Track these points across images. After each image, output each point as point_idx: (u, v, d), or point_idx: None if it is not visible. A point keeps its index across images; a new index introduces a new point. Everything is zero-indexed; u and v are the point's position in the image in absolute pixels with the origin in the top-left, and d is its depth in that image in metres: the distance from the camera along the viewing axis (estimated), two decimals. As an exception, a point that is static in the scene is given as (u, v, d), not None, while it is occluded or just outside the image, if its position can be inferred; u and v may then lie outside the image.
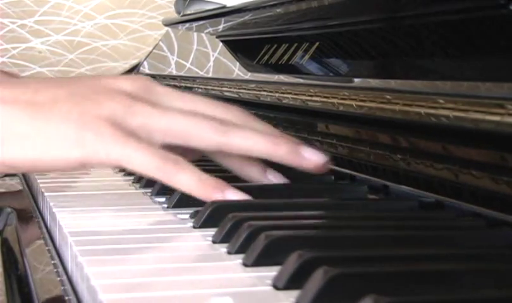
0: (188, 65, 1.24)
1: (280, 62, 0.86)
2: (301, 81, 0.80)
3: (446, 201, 0.58)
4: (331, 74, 0.76)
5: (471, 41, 0.57)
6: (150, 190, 0.74)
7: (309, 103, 0.74)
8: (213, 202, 0.60)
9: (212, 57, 1.14)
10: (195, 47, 1.25)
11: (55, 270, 0.60)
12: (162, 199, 0.70)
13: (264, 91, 0.85)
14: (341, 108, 0.67)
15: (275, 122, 0.85)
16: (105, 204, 0.70)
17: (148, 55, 1.49)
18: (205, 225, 0.59)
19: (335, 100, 0.69)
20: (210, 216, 0.59)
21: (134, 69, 1.49)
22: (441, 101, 0.54)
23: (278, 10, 0.89)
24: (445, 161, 0.55)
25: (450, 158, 0.55)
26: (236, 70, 1.01)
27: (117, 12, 2.24)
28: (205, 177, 0.63)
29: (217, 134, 0.66)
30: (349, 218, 0.59)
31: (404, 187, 0.62)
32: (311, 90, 0.74)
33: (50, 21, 2.22)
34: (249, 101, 0.91)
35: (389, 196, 0.65)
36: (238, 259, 0.50)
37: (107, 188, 0.79)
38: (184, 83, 1.19)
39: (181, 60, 1.31)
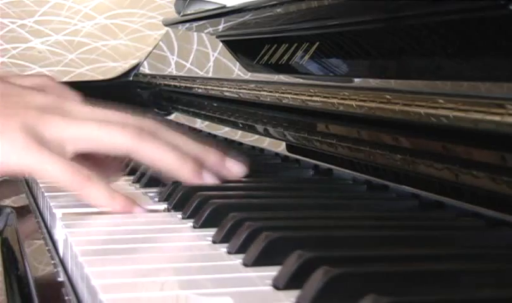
0: (188, 65, 1.24)
1: (280, 62, 0.86)
2: (301, 81, 0.80)
3: (446, 201, 0.58)
4: (331, 74, 0.76)
5: (471, 41, 0.57)
6: (150, 190, 0.74)
7: (309, 103, 0.74)
8: (213, 202, 0.60)
9: (212, 57, 1.14)
10: (195, 47, 1.25)
11: (55, 270, 0.60)
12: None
13: (264, 91, 0.85)
14: (341, 108, 0.67)
15: (275, 122, 0.85)
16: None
17: (148, 55, 1.49)
18: (205, 225, 0.59)
19: (335, 100, 0.69)
20: (210, 216, 0.59)
21: (134, 69, 1.49)
22: (441, 101, 0.54)
23: (278, 10, 0.89)
24: (445, 161, 0.55)
25: (450, 158, 0.55)
26: (236, 70, 1.01)
27: (117, 12, 2.24)
28: (116, 194, 0.66)
29: (128, 140, 0.67)
30: (349, 218, 0.59)
31: (404, 187, 0.62)
32: (311, 90, 0.74)
33: (50, 21, 2.22)
34: (249, 101, 0.91)
35: (388, 195, 0.65)
36: (238, 259, 0.50)
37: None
38: (184, 83, 1.19)
39: (181, 60, 1.31)
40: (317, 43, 0.80)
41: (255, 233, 0.50)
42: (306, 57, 0.81)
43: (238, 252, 0.51)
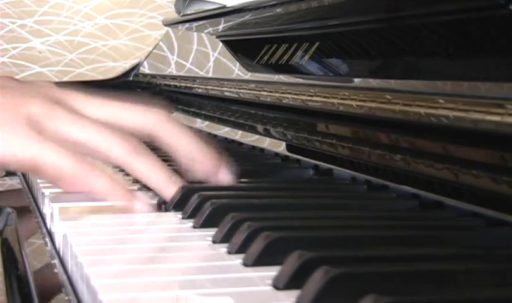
0: (188, 65, 1.24)
1: (280, 62, 0.86)
2: (301, 81, 0.80)
3: (446, 201, 0.58)
4: (331, 74, 0.76)
5: (471, 41, 0.57)
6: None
7: (309, 103, 0.74)
8: (213, 202, 0.60)
9: (212, 57, 1.14)
10: (194, 47, 1.25)
11: (55, 270, 0.60)
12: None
13: (264, 91, 0.85)
14: (341, 108, 0.67)
15: (275, 122, 0.85)
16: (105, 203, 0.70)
17: (148, 55, 1.49)
18: (205, 225, 0.59)
19: (335, 100, 0.69)
20: (210, 216, 0.59)
21: (134, 69, 1.49)
22: (441, 101, 0.54)
23: (278, 10, 0.89)
24: (445, 161, 0.55)
25: (450, 158, 0.55)
26: (236, 70, 1.01)
27: (117, 12, 2.24)
28: (118, 184, 0.67)
29: (122, 154, 0.68)
30: (349, 218, 0.59)
31: (404, 187, 0.62)
32: (311, 90, 0.74)
33: (50, 21, 2.22)
34: (249, 101, 0.91)
35: (388, 195, 0.65)
36: (238, 259, 0.50)
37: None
38: (184, 83, 1.19)
39: (181, 60, 1.31)
40: (317, 43, 0.80)
41: (255, 233, 0.50)
42: (306, 57, 0.81)
43: (238, 252, 0.51)
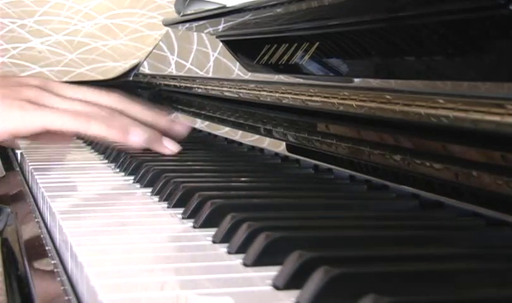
0: (188, 65, 1.24)
1: (280, 62, 0.86)
2: (301, 81, 0.80)
3: (446, 201, 0.58)
4: (331, 74, 0.76)
5: (471, 41, 0.57)
6: (150, 190, 0.74)
7: (309, 103, 0.74)
8: (213, 202, 0.60)
9: (212, 57, 1.14)
10: (194, 47, 1.25)
11: (55, 270, 0.60)
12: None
13: (264, 91, 0.85)
14: (341, 108, 0.67)
15: (275, 122, 0.85)
16: (105, 204, 0.70)
17: (148, 55, 1.49)
18: (205, 225, 0.59)
19: (335, 100, 0.68)
20: (210, 216, 0.59)
21: (134, 69, 1.49)
22: (441, 101, 0.54)
23: (278, 10, 0.89)
24: (445, 161, 0.55)
25: (450, 158, 0.55)
26: (236, 70, 1.01)
27: (117, 12, 2.24)
28: (116, 123, 0.87)
29: (77, 123, 0.87)
30: (349, 218, 0.59)
31: (404, 187, 0.62)
32: (311, 90, 0.74)
33: (50, 21, 2.21)
34: (249, 101, 0.91)
35: (388, 195, 0.65)
36: (238, 259, 0.50)
37: (107, 188, 0.80)
38: (184, 83, 1.19)
39: (181, 60, 1.31)
40: (317, 43, 0.80)
41: (255, 233, 0.50)
42: (306, 57, 0.81)
43: (238, 252, 0.51)
